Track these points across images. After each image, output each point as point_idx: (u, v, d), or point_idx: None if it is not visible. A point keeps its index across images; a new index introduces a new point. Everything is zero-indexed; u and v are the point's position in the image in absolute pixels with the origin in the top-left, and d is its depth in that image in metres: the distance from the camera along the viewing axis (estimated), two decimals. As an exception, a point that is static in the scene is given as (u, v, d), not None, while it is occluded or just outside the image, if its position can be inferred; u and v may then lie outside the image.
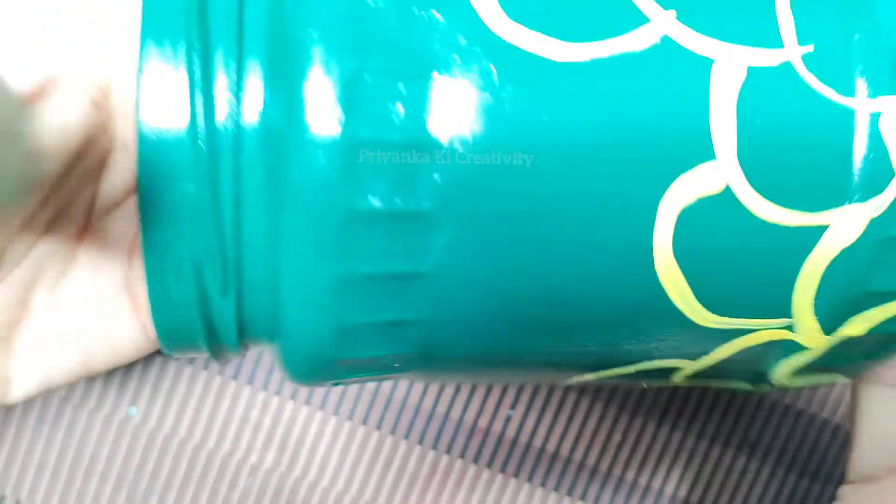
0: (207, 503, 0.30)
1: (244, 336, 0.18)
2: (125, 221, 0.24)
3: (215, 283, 0.16)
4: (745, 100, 0.16)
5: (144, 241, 0.16)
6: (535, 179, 0.16)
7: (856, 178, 0.17)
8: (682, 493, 0.31)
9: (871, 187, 0.17)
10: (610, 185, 0.16)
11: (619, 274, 0.17)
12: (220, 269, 0.16)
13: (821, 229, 0.17)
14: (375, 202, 0.15)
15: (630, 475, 0.31)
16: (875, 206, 0.17)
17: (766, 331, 0.18)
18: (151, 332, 0.23)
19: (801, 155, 0.17)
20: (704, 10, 0.17)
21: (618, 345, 0.18)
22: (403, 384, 0.30)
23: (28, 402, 0.29)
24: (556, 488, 0.31)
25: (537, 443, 0.31)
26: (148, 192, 0.15)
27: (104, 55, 0.20)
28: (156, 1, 0.16)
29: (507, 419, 0.30)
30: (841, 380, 0.21)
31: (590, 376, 0.20)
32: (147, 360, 0.29)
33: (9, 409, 0.29)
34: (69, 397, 0.29)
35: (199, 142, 0.15)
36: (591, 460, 0.31)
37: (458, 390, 0.30)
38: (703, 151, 0.16)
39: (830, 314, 0.18)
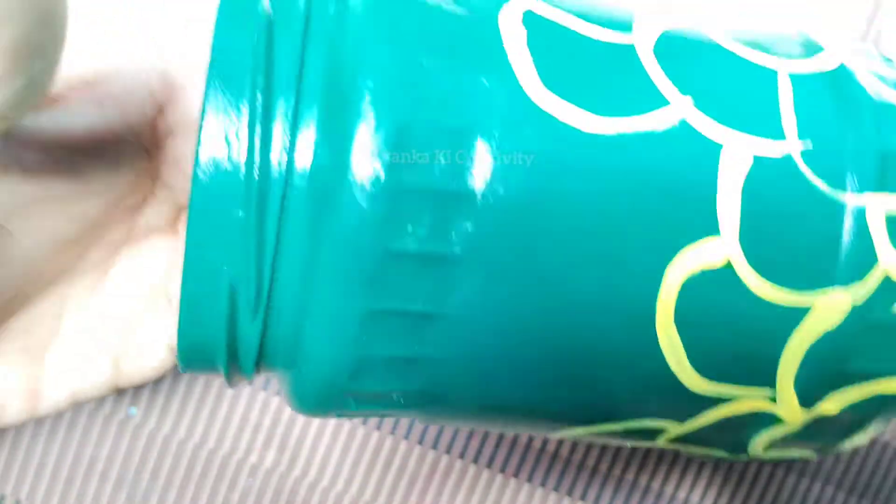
0: (207, 503, 0.30)
1: (262, 361, 0.19)
2: (159, 242, 0.24)
3: (247, 305, 0.17)
4: (749, 185, 0.18)
5: (186, 259, 0.17)
6: (556, 237, 0.17)
7: (841, 264, 0.19)
8: (682, 493, 0.31)
9: (855, 274, 0.19)
10: (624, 249, 0.18)
11: (624, 332, 0.18)
12: (254, 293, 0.17)
13: (806, 310, 0.19)
14: (410, 244, 0.17)
15: (630, 475, 0.31)
16: (857, 293, 0.19)
17: (749, 400, 0.20)
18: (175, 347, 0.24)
19: (794, 239, 0.18)
20: (718, 98, 0.19)
21: (613, 399, 0.20)
22: (403, 384, 0.30)
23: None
24: (556, 488, 0.31)
25: (537, 443, 0.31)
26: (198, 213, 0.16)
27: (167, 108, 0.20)
28: (225, 44, 0.17)
29: (507, 419, 0.30)
30: (811, 457, 0.23)
31: (580, 430, 0.21)
32: (147, 360, 0.29)
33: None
34: (69, 397, 0.29)
35: (253, 173, 0.17)
36: (590, 460, 0.31)
37: (458, 390, 0.30)
38: (709, 227, 0.18)
39: (809, 389, 0.20)
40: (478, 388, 0.19)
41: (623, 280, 0.18)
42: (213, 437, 0.30)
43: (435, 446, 0.30)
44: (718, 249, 0.18)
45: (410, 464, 0.30)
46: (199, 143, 0.17)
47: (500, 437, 0.30)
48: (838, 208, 0.19)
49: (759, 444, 0.21)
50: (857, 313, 0.19)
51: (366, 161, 0.16)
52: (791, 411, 0.20)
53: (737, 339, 0.19)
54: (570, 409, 0.20)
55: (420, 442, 0.30)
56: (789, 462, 0.32)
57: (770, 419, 0.20)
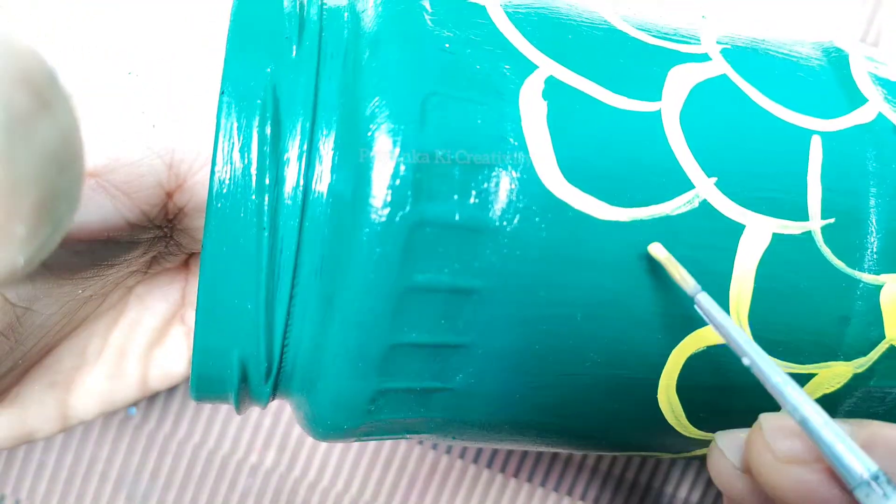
0: (207, 503, 0.30)
1: (276, 393, 0.19)
2: (173, 277, 0.24)
3: (258, 374, 0.17)
4: (765, 263, 0.18)
5: (200, 293, 0.17)
6: (568, 319, 0.17)
7: (849, 340, 0.19)
8: (682, 493, 0.31)
9: (861, 349, 0.19)
10: (630, 330, 0.18)
11: (629, 396, 0.19)
12: (265, 365, 0.17)
13: (808, 376, 0.19)
14: (429, 278, 0.16)
15: (630, 475, 0.31)
16: (859, 364, 0.19)
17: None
18: None
19: (804, 316, 0.18)
20: (744, 177, 0.18)
21: (615, 439, 0.20)
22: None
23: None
24: (556, 488, 0.31)
25: (537, 443, 0.31)
26: (212, 246, 0.16)
27: (175, 193, 0.20)
28: (237, 67, 0.16)
29: (507, 419, 0.30)
30: None
31: (589, 451, 0.22)
32: (147, 360, 0.29)
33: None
34: (69, 397, 0.29)
35: (266, 207, 0.16)
36: (590, 460, 0.31)
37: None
38: (721, 308, 0.18)
39: None
40: (496, 414, 0.19)
41: (631, 357, 0.18)
42: (213, 437, 0.30)
43: (435, 446, 0.30)
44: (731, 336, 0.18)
45: (410, 464, 0.30)
46: (212, 175, 0.16)
47: (500, 437, 0.30)
48: (853, 285, 0.18)
49: None
50: (857, 379, 0.19)
51: (384, 194, 0.16)
52: None
53: (735, 404, 0.19)
54: (582, 437, 0.20)
55: (420, 442, 0.30)
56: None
57: None
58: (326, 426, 0.19)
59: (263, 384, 0.18)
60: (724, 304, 0.18)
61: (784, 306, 0.18)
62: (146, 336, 0.24)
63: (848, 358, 0.19)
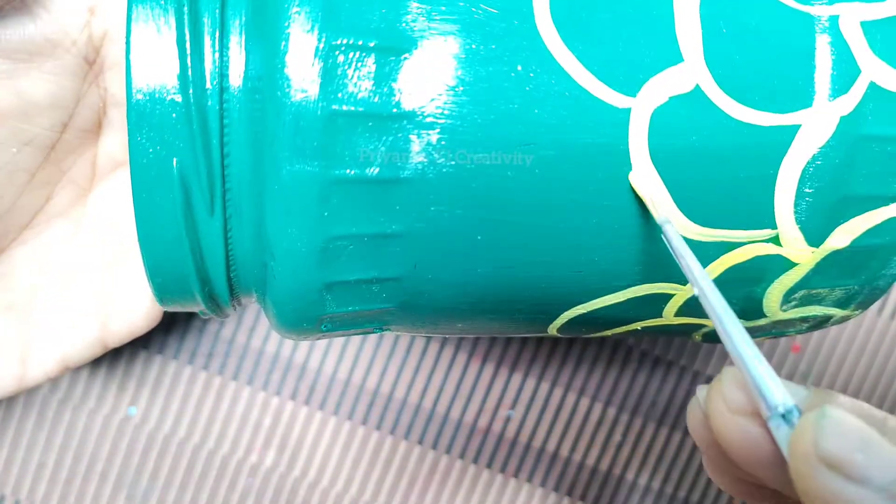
0: (207, 503, 0.30)
1: (232, 269, 0.18)
2: (126, 180, 0.24)
3: (202, 197, 0.17)
4: (708, 4, 0.17)
5: (132, 154, 0.16)
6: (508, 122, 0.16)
7: (821, 77, 0.18)
8: (682, 493, 0.31)
9: (838, 87, 0.18)
10: (581, 92, 0.17)
11: (601, 184, 0.17)
12: (207, 182, 0.17)
13: (793, 129, 0.17)
14: (354, 170, 0.16)
15: (630, 475, 0.31)
16: (843, 105, 0.18)
17: (751, 244, 0.19)
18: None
19: (765, 56, 0.17)
20: None
21: (603, 265, 0.19)
22: (403, 384, 0.30)
23: (28, 402, 0.29)
24: (556, 488, 0.31)
25: (537, 443, 0.31)
26: (136, 105, 0.16)
27: (98, 8, 0.21)
28: None
29: (507, 419, 0.30)
30: (836, 314, 0.21)
31: (580, 309, 0.20)
32: (147, 360, 0.29)
33: (9, 408, 0.29)
34: (69, 397, 0.29)
35: (186, 55, 0.16)
36: (590, 460, 0.31)
37: (457, 390, 0.30)
38: (670, 54, 0.17)
39: (813, 223, 0.18)
40: (455, 295, 0.18)
41: (590, 121, 0.17)
42: (213, 437, 0.30)
43: (435, 446, 0.30)
44: (685, 75, 0.17)
45: (410, 464, 0.30)
46: (128, 35, 0.16)
47: (500, 437, 0.30)
48: (808, 21, 0.17)
49: (774, 298, 0.20)
50: (846, 126, 0.18)
51: (297, 82, 0.15)
52: (798, 251, 0.19)
53: (723, 172, 0.18)
54: (559, 284, 0.19)
55: (420, 442, 0.30)
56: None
57: (779, 263, 0.19)
58: (288, 321, 0.18)
59: (222, 279, 0.18)
60: (674, 48, 0.17)
61: (740, 47, 0.17)
62: (104, 261, 0.24)
63: (829, 97, 0.18)
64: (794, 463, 0.13)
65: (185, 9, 0.16)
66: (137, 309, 0.24)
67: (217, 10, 0.16)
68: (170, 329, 0.29)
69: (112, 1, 0.21)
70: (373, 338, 0.30)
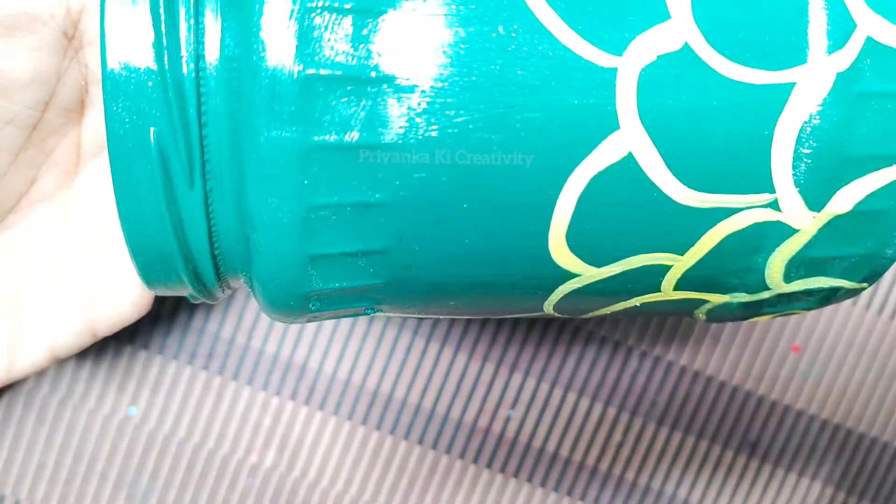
0: (207, 503, 0.30)
1: (216, 246, 0.18)
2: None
3: (181, 168, 0.16)
4: None
5: (108, 127, 0.16)
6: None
7: (815, 32, 0.17)
8: (683, 493, 0.31)
9: (833, 41, 0.17)
10: (566, 52, 0.16)
11: (585, 145, 0.17)
12: (185, 153, 0.16)
13: (788, 87, 0.17)
14: (333, 136, 0.16)
15: (630, 475, 0.31)
16: (839, 61, 0.17)
17: (749, 210, 0.18)
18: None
19: (756, 11, 0.17)
20: None
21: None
22: (403, 384, 0.30)
23: (28, 402, 0.29)
24: (556, 488, 0.31)
25: (537, 443, 0.31)
26: (110, 77, 0.16)
27: None
28: None
29: (507, 419, 0.30)
30: (843, 286, 0.20)
31: (575, 283, 0.19)
32: (147, 360, 0.29)
33: (8, 408, 0.29)
34: (69, 397, 0.29)
35: (161, 22, 0.16)
36: (591, 460, 0.31)
37: (457, 390, 0.30)
38: (657, 12, 0.16)
39: (812, 185, 0.18)
40: (441, 270, 0.18)
41: (574, 85, 0.16)
42: (213, 437, 0.30)
43: (435, 446, 0.30)
44: (672, 33, 0.17)
45: (410, 464, 0.30)
46: (103, 38, 0.16)
47: (500, 437, 0.30)
48: None
49: (776, 268, 0.19)
50: (843, 82, 0.17)
51: (273, 49, 0.15)
52: (799, 216, 0.18)
53: (716, 132, 0.17)
54: (550, 254, 0.18)
55: (420, 442, 0.30)
56: (792, 463, 0.32)
57: (778, 230, 0.18)
58: (274, 299, 0.18)
59: (206, 255, 0.18)
60: (661, 5, 0.16)
61: (730, 0, 0.17)
62: (92, 243, 0.24)
63: (824, 52, 0.17)
64: None
65: None
66: (125, 296, 0.24)
67: None
68: (170, 329, 0.29)
69: None
70: (372, 338, 0.30)
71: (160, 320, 0.29)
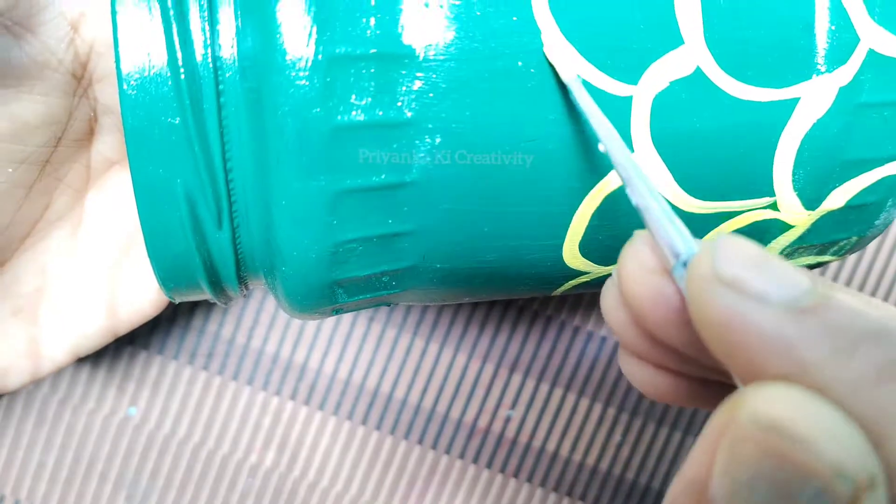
0: (207, 503, 0.30)
1: (242, 270, 0.18)
2: (122, 179, 0.24)
3: (209, 214, 0.17)
4: None
5: (134, 178, 0.16)
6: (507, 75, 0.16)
7: (820, 49, 0.17)
8: (682, 493, 0.31)
9: (837, 58, 0.17)
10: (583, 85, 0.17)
11: (601, 169, 0.17)
12: (213, 199, 0.16)
13: (793, 102, 0.18)
14: (357, 115, 0.16)
15: (630, 475, 0.31)
16: (842, 76, 0.18)
17: (751, 213, 0.19)
18: None
19: (765, 32, 0.17)
20: None
21: (607, 241, 0.19)
22: (403, 384, 0.30)
23: (28, 402, 0.29)
24: (556, 488, 0.31)
25: (537, 443, 0.31)
26: (133, 129, 0.16)
27: (80, 23, 0.20)
28: None
29: (507, 419, 0.30)
30: (827, 259, 0.21)
31: (584, 277, 0.20)
32: (147, 360, 0.29)
33: (8, 408, 0.29)
34: (69, 398, 0.29)
35: (180, 75, 0.16)
36: (591, 460, 0.31)
37: (457, 390, 0.30)
38: (671, 37, 0.17)
39: (810, 189, 0.19)
40: (466, 252, 0.18)
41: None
42: (212, 437, 0.30)
43: (435, 446, 0.30)
44: (685, 57, 0.17)
45: (410, 464, 0.30)
46: (117, 54, 0.16)
47: (500, 437, 0.30)
48: None
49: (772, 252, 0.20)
50: (845, 96, 0.18)
51: (292, 36, 0.15)
52: (795, 214, 0.19)
53: (724, 149, 0.18)
54: (565, 261, 0.19)
55: (420, 442, 0.30)
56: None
57: (776, 226, 0.19)
58: (299, 310, 0.18)
59: (233, 279, 0.18)
60: (674, 31, 0.17)
61: (740, 24, 0.17)
62: (108, 254, 0.24)
63: (828, 69, 0.18)
64: (692, 290, 0.12)
65: (174, 27, 0.16)
66: (144, 297, 0.24)
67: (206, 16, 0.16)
68: (170, 329, 0.29)
69: (94, 14, 0.21)
70: (372, 338, 0.30)
71: (160, 320, 0.29)
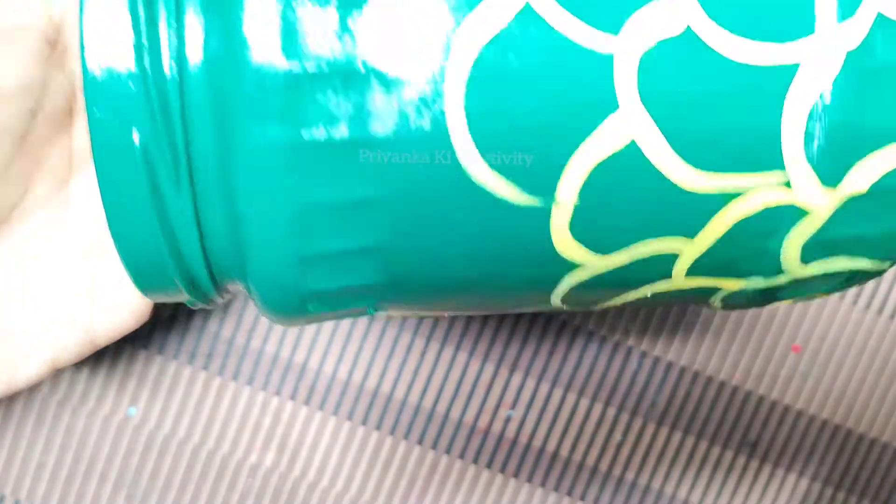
0: (207, 503, 0.30)
1: (214, 270, 0.18)
2: None
3: (167, 174, 0.16)
4: None
5: (92, 134, 0.16)
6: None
7: (822, 6, 0.16)
8: (683, 493, 0.31)
9: (843, 13, 0.16)
10: (560, 38, 0.16)
11: (582, 114, 0.16)
12: (171, 157, 0.16)
13: (794, 68, 0.16)
14: (321, 132, 0.15)
15: (630, 475, 0.31)
16: (850, 37, 0.16)
17: (760, 191, 0.17)
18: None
19: None
20: None
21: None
22: (403, 384, 0.30)
23: (28, 402, 0.29)
24: (556, 488, 0.31)
25: (537, 443, 0.31)
26: (91, 80, 0.15)
27: None
28: None
29: (507, 419, 0.30)
30: (864, 266, 0.19)
31: (581, 273, 0.19)
32: (147, 360, 0.29)
33: (8, 408, 0.29)
34: (68, 398, 0.29)
35: (146, 71, 0.15)
36: (591, 460, 0.31)
37: (457, 390, 0.30)
38: None
39: (826, 160, 0.17)
40: (440, 267, 0.17)
41: (572, 72, 0.16)
42: (212, 437, 0.30)
43: (435, 446, 0.30)
44: (675, 15, 0.16)
45: (410, 464, 0.30)
46: (81, 25, 0.15)
47: (500, 437, 0.30)
48: None
49: (792, 251, 0.18)
50: (855, 59, 0.16)
51: (257, 45, 0.15)
52: (812, 194, 0.17)
53: (723, 112, 0.16)
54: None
55: (420, 442, 0.30)
56: (792, 463, 0.32)
57: (792, 212, 0.18)
58: (271, 301, 0.18)
59: (199, 259, 0.18)
60: None
61: None
62: (87, 261, 0.23)
63: (832, 26, 0.16)
64: None
65: None
66: (124, 304, 0.24)
67: None
68: (170, 329, 0.29)
69: None
70: (372, 338, 0.30)
71: (160, 320, 0.29)
